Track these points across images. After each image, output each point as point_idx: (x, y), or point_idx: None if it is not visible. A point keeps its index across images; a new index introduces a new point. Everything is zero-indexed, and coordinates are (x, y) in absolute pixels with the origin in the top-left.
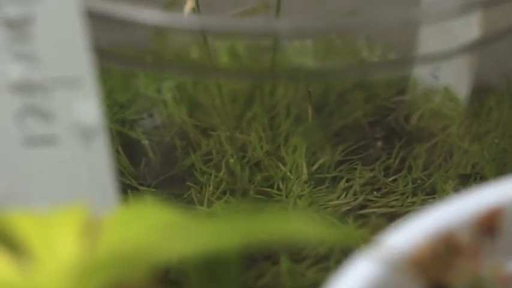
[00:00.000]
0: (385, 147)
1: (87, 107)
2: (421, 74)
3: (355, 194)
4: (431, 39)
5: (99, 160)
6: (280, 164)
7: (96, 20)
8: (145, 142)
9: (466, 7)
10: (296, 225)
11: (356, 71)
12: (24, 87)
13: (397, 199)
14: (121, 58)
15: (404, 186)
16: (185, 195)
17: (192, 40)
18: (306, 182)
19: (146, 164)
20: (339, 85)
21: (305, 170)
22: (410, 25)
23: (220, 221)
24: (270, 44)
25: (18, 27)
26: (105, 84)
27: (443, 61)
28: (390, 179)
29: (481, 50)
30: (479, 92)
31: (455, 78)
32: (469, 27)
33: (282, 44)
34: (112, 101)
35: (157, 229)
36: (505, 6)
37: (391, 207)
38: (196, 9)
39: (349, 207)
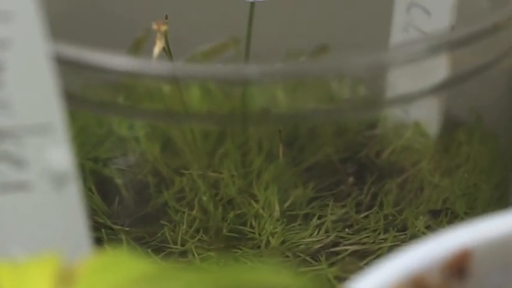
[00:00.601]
0: (356, 183)
1: (58, 153)
2: (392, 109)
3: (327, 231)
4: (400, 79)
5: (71, 205)
6: (253, 201)
7: (67, 66)
8: (119, 180)
9: (434, 48)
10: (267, 275)
11: (326, 112)
12: None
13: (368, 236)
14: (92, 103)
15: (376, 222)
16: (159, 234)
17: (163, 82)
18: (278, 220)
19: (119, 202)
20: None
21: (277, 207)
22: (380, 68)
23: (193, 272)
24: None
25: None
26: (78, 122)
27: (413, 102)
28: (362, 215)
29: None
30: (450, 126)
31: (425, 113)
32: (438, 68)
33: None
34: (85, 138)
35: (132, 281)
36: (471, 47)
37: (363, 244)
38: (167, 47)
39: (321, 245)
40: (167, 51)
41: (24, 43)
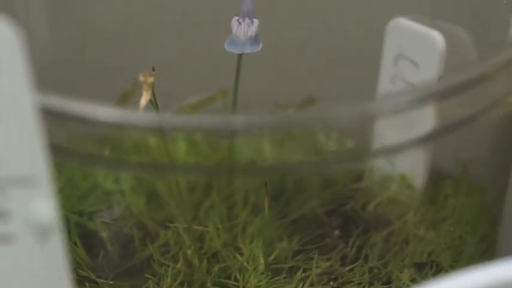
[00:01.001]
0: (342, 236)
1: (43, 205)
2: (378, 160)
3: (312, 284)
4: (387, 130)
5: (55, 258)
6: (238, 255)
7: (52, 117)
8: (104, 234)
9: (421, 99)
10: None
11: (313, 164)
12: None
13: None
14: (77, 154)
15: (361, 275)
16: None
17: (149, 134)
18: (263, 273)
19: (104, 255)
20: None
21: (262, 261)
22: (366, 118)
23: None
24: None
25: None
26: (63, 175)
27: (399, 153)
28: (347, 268)
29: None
30: (436, 178)
31: (411, 165)
32: (425, 118)
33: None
34: (70, 191)
35: None
36: (458, 97)
37: None
38: (153, 99)
39: None
40: (154, 103)
41: (9, 92)
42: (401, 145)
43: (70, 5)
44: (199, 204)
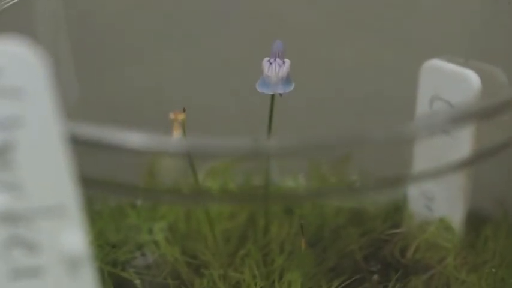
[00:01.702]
0: (381, 281)
1: (73, 237)
2: (416, 206)
3: None
4: (423, 160)
5: None
6: None
7: (82, 146)
8: (138, 282)
9: (457, 120)
10: None
11: (347, 192)
12: (8, 218)
13: None
14: (108, 186)
15: None
16: None
17: (182, 166)
18: None
19: None
20: (332, 220)
21: None
22: (401, 140)
23: None
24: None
25: (0, 154)
26: (95, 225)
27: (436, 179)
28: None
29: (474, 178)
30: (475, 221)
31: (449, 209)
32: (463, 142)
33: (273, 172)
34: (103, 241)
35: None
36: (498, 121)
37: None
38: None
39: None
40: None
41: (36, 121)
42: (438, 171)
43: (98, 67)
44: (235, 251)
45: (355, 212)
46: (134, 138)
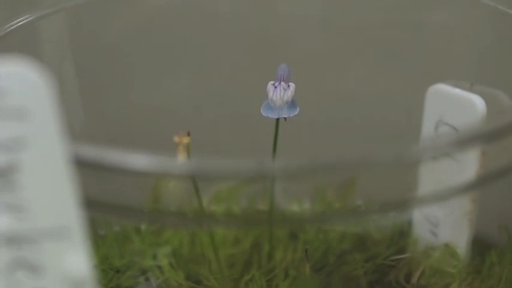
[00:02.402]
0: None
1: (76, 259)
2: (420, 231)
3: None
4: (428, 184)
5: None
6: None
7: (86, 168)
8: None
9: (463, 142)
10: None
11: (351, 215)
12: (11, 239)
13: None
14: (113, 208)
15: None
16: None
17: (186, 189)
18: None
19: None
20: (337, 246)
21: None
22: (407, 162)
23: None
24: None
25: (4, 175)
26: (99, 250)
27: (440, 202)
28: None
29: (480, 203)
30: (480, 247)
31: (454, 235)
32: (467, 168)
33: (277, 197)
34: (107, 266)
35: None
36: (503, 144)
37: None
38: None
39: None
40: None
41: (41, 142)
42: (444, 193)
43: (103, 90)
44: (239, 277)
45: (360, 238)
46: (138, 160)
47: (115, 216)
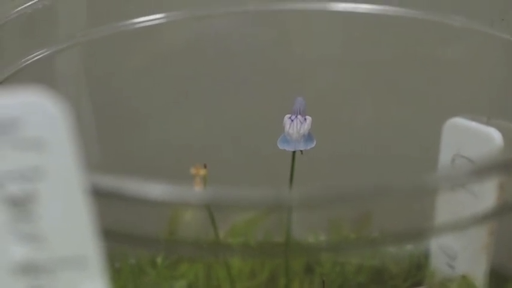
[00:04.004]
0: None
1: None
2: (437, 264)
3: None
4: (445, 217)
5: None
6: None
7: (103, 198)
8: None
9: (480, 173)
10: None
11: (367, 245)
12: (28, 269)
13: None
14: (130, 238)
15: None
16: None
17: (203, 220)
18: None
19: None
20: (353, 279)
21: None
22: (423, 191)
23: None
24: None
25: (22, 205)
26: (115, 283)
27: (457, 233)
28: None
29: (497, 235)
30: (497, 279)
31: (471, 267)
32: (487, 194)
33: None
34: None
35: None
36: None
37: None
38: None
39: None
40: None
41: (58, 172)
42: (461, 224)
43: (119, 127)
44: None
45: (377, 270)
46: (156, 189)
47: (132, 246)
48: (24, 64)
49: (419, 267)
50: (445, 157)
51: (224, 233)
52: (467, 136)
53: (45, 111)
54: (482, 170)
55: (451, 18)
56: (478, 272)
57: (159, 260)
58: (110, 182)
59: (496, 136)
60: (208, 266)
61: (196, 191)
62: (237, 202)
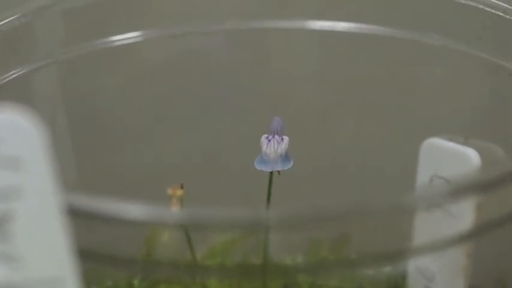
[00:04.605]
0: None
1: None
2: (415, 286)
3: None
4: (424, 233)
5: None
6: None
7: (80, 218)
8: None
9: (457, 192)
10: None
11: (345, 265)
12: None
13: None
14: (106, 259)
15: None
16: None
17: (179, 240)
18: None
19: None
20: None
21: None
22: (401, 211)
23: None
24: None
25: None
26: None
27: (434, 253)
28: None
29: (475, 256)
30: None
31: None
32: (462, 222)
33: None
34: None
35: None
36: (498, 194)
37: None
38: None
39: None
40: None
41: (34, 192)
42: (441, 243)
43: (95, 147)
44: None
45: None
46: (132, 209)
47: (108, 267)
48: (1, 83)
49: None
50: (422, 177)
51: (202, 255)
52: (445, 156)
53: (21, 129)
54: (459, 190)
55: (430, 37)
56: None
57: (135, 282)
58: (87, 201)
59: (473, 156)
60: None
61: (174, 211)
62: (215, 222)
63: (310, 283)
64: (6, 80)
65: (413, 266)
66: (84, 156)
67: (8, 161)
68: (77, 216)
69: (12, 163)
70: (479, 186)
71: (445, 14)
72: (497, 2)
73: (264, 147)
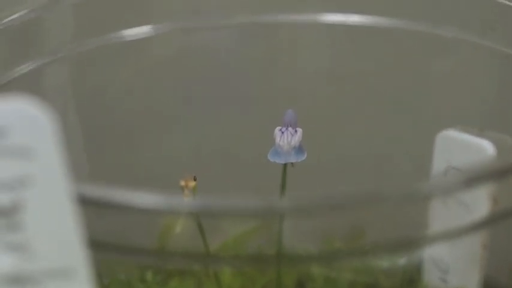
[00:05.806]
0: None
1: None
2: (430, 279)
3: None
4: (439, 224)
5: None
6: None
7: (91, 207)
8: None
9: (473, 179)
10: None
11: (359, 254)
12: (15, 279)
13: None
14: (117, 249)
15: None
16: None
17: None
18: None
19: None
20: None
21: None
22: (415, 198)
23: None
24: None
25: (8, 215)
26: None
27: (449, 242)
28: None
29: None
30: None
31: (464, 280)
32: (479, 202)
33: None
34: None
35: None
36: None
37: None
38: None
39: None
40: None
41: (45, 181)
42: (456, 232)
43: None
44: None
45: (369, 286)
46: (144, 198)
47: (120, 257)
48: (12, 77)
49: (411, 281)
50: (437, 169)
51: (215, 248)
52: (460, 148)
53: (32, 119)
54: (473, 179)
55: (442, 29)
56: (471, 285)
57: (149, 275)
58: (99, 190)
59: (488, 147)
60: (199, 282)
61: (186, 200)
62: (228, 211)
63: (324, 277)
64: (18, 74)
65: (428, 258)
66: (95, 149)
67: (19, 151)
68: (89, 206)
69: (23, 152)
70: (493, 176)
71: (458, 5)
72: None
73: (278, 139)
